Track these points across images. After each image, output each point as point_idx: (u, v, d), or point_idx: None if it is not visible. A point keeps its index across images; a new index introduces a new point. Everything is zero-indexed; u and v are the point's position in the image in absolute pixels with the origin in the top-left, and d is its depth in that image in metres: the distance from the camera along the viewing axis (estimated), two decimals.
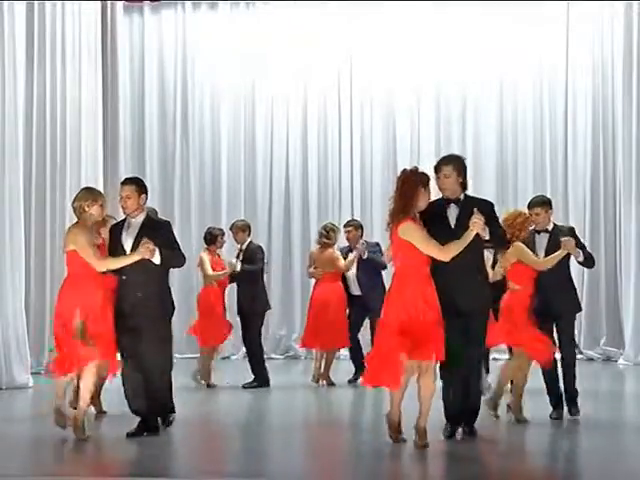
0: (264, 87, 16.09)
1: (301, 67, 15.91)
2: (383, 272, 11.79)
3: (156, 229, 8.23)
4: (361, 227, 12.32)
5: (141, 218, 8.29)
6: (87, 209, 8.15)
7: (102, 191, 9.73)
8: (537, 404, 9.25)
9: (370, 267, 11.92)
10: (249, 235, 12.15)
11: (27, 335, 11.86)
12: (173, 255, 8.22)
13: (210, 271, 11.86)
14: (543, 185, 15.30)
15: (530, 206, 9.24)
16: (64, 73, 13.53)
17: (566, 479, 7.01)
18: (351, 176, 16.00)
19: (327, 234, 12.10)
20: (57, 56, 13.42)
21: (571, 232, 9.29)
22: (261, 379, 11.79)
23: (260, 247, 12.20)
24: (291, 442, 8.34)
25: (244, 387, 11.70)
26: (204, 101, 16.24)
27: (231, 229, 12.27)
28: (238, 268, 11.88)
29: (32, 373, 11.83)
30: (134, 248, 8.10)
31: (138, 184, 8.36)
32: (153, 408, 8.24)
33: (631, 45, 14.67)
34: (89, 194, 8.30)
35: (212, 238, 12.05)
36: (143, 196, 8.29)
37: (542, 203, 9.25)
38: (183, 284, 14.93)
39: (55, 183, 13.26)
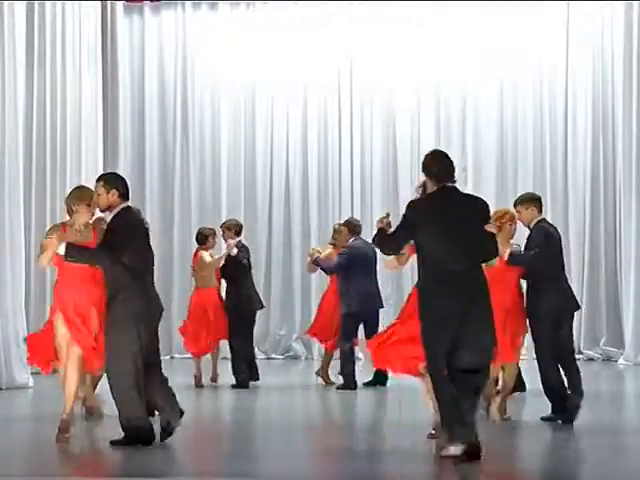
0: (264, 87, 16.09)
1: (301, 67, 15.92)
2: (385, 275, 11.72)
3: (110, 226, 7.72)
4: (353, 226, 12.00)
5: (111, 216, 7.80)
6: (74, 208, 8.11)
7: None
8: (537, 405, 9.27)
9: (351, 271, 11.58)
10: (239, 235, 12.12)
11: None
12: (87, 251, 7.69)
13: (209, 258, 11.83)
14: (543, 185, 15.30)
15: (514, 205, 9.14)
16: (64, 73, 13.53)
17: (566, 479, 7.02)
18: (351, 176, 15.99)
19: (333, 234, 12.21)
20: (57, 56, 13.43)
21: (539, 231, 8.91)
22: (243, 380, 11.65)
23: (245, 246, 12.13)
24: (289, 442, 8.31)
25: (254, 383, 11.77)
26: (204, 101, 16.24)
27: (221, 228, 12.28)
28: (234, 252, 11.78)
29: (32, 373, 11.80)
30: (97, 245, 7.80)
31: (106, 181, 7.88)
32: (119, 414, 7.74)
33: (631, 45, 14.70)
34: (78, 193, 8.23)
35: (203, 238, 12.03)
36: (113, 191, 7.75)
37: (523, 201, 9.04)
38: (183, 284, 14.92)
39: (55, 183, 13.26)
